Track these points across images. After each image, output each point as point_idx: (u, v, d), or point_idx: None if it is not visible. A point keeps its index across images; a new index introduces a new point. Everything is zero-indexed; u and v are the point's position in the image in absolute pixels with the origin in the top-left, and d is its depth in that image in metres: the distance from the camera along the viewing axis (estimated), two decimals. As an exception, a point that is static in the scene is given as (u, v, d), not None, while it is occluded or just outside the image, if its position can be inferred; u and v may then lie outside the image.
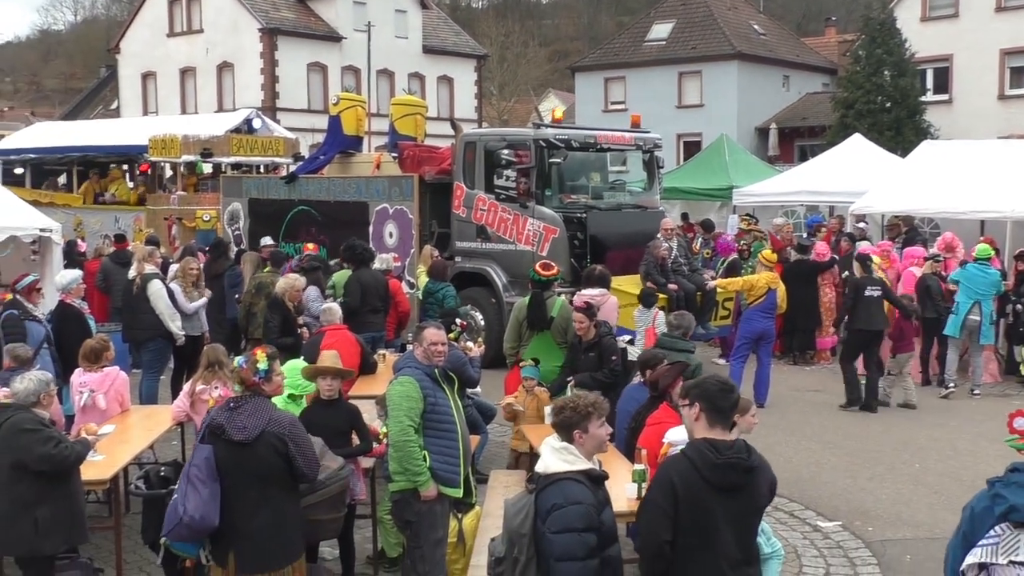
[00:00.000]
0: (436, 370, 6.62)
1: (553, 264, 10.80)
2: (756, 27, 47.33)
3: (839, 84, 40.48)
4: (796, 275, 15.12)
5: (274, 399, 6.84)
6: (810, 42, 51.93)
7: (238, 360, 5.91)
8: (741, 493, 4.52)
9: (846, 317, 13.57)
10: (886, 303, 13.11)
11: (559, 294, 10.58)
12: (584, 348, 9.28)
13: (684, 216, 22.67)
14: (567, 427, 4.89)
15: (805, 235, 17.98)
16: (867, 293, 12.92)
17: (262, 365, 5.75)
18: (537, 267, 10.38)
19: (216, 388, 8.21)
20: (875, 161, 20.66)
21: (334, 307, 10.57)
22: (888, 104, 34.66)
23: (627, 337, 9.38)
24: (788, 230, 18.17)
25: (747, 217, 18.97)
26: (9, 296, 10.78)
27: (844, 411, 13.00)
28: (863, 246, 16.23)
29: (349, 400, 7.90)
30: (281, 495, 5.70)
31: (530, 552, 4.74)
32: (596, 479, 4.84)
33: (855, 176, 19.26)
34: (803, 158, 34.11)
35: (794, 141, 42.37)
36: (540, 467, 4.88)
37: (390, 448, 6.52)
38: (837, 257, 16.07)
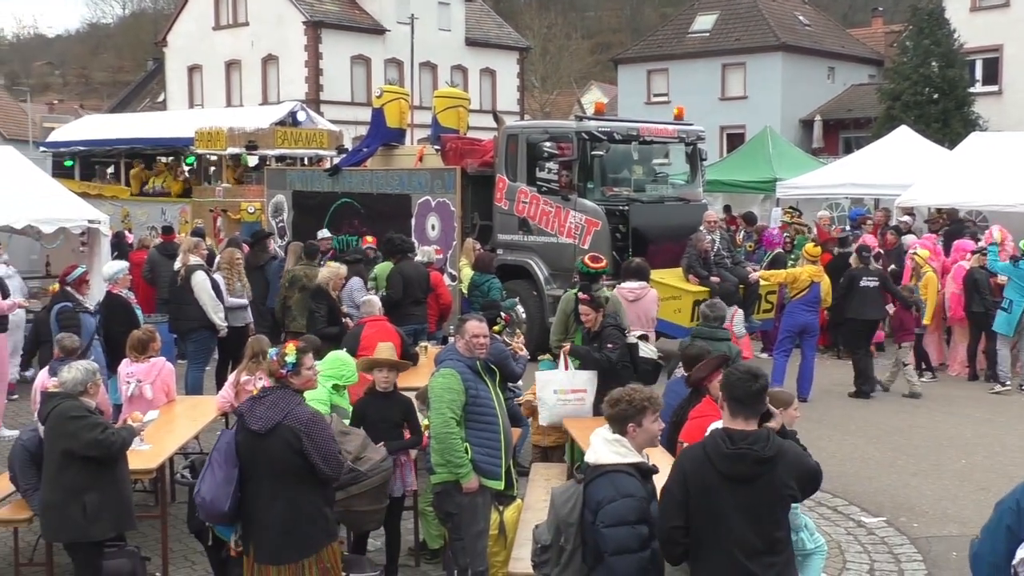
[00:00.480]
0: (478, 362, 6.65)
1: (602, 257, 10.75)
2: (801, 18, 46.87)
3: (885, 75, 40.00)
4: (839, 269, 14.96)
5: (320, 389, 6.94)
6: (856, 33, 51.33)
7: (271, 352, 5.96)
8: (756, 483, 4.52)
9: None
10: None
11: (603, 288, 10.54)
12: (591, 338, 9.23)
13: (727, 209, 22.51)
14: (621, 420, 4.93)
15: (849, 228, 17.80)
16: (862, 284, 13.31)
17: (290, 358, 5.78)
18: (586, 259, 10.33)
19: (260, 379, 8.27)
20: (922, 153, 20.41)
21: (373, 299, 10.63)
22: (936, 95, 34.16)
23: (638, 333, 9.24)
24: (825, 222, 18.01)
25: (790, 210, 18.81)
26: (58, 288, 10.98)
27: (887, 406, 12.89)
28: (910, 240, 16.07)
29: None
30: (297, 489, 5.68)
31: (576, 542, 4.79)
32: (645, 472, 4.87)
33: (901, 168, 19.05)
34: (848, 150, 33.80)
35: (839, 133, 41.93)
36: (591, 457, 4.92)
37: (432, 440, 6.55)
38: (882, 251, 15.89)
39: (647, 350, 9.04)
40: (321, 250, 14.44)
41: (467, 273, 13.61)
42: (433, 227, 15.88)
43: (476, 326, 6.69)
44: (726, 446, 4.54)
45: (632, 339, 9.01)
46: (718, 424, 5.66)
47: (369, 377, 8.21)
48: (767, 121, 30.96)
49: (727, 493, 4.51)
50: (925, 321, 14.20)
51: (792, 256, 15.75)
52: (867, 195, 20.82)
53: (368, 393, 7.48)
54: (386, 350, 7.69)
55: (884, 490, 9.64)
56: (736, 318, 13.01)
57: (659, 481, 5.07)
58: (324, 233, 15.52)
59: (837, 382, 14.17)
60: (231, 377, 9.03)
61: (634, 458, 4.85)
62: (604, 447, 4.89)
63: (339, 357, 7.77)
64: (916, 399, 13.21)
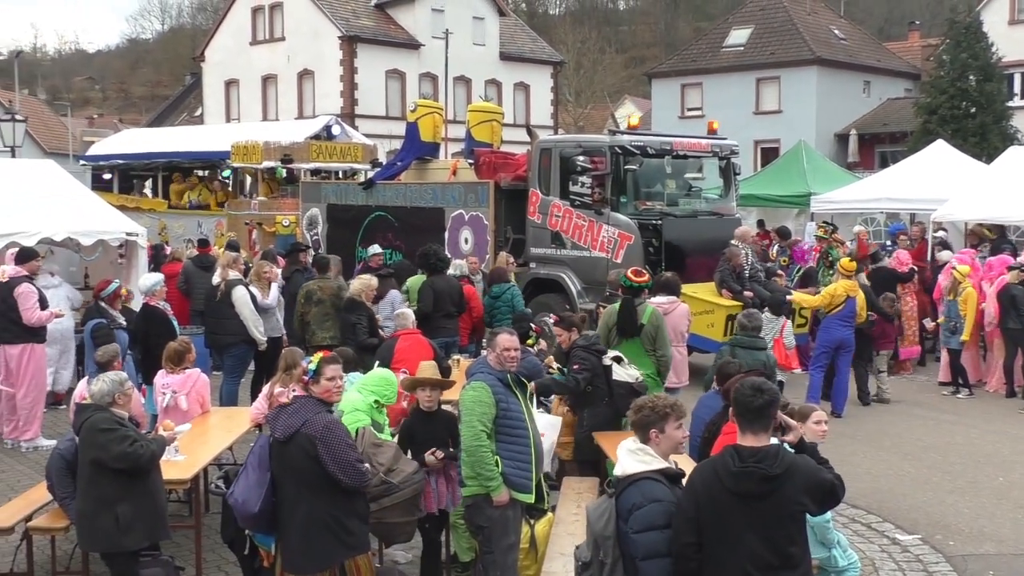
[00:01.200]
0: (509, 375, 6.66)
1: (645, 271, 10.74)
2: (836, 32, 46.68)
3: (922, 89, 39.72)
4: (875, 284, 14.86)
5: (362, 402, 6.98)
6: (892, 46, 51.06)
7: (311, 365, 6.04)
8: (766, 500, 4.51)
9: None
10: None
11: (645, 302, 10.51)
12: (563, 357, 9.21)
13: (760, 223, 22.42)
14: (644, 426, 4.97)
15: (888, 243, 17.67)
16: None
17: (311, 366, 5.92)
18: (629, 273, 10.32)
19: (293, 391, 8.32)
20: (959, 168, 20.21)
21: (407, 312, 10.68)
22: (973, 109, 33.92)
23: (613, 354, 9.07)
24: (864, 236, 17.89)
25: (824, 225, 18.70)
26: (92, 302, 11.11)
27: (922, 422, 12.80)
28: (947, 255, 15.94)
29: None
30: (315, 498, 5.73)
31: (616, 554, 4.81)
32: (673, 477, 4.89)
33: (938, 183, 18.88)
34: (884, 165, 33.56)
35: (874, 147, 41.69)
36: (618, 470, 4.95)
37: (463, 453, 6.57)
38: (915, 268, 15.77)
39: (623, 373, 8.78)
40: (371, 266, 14.47)
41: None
42: (466, 240, 15.94)
43: (507, 339, 6.72)
44: (733, 463, 4.55)
45: (607, 360, 8.82)
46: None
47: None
48: (801, 135, 30.80)
49: (737, 510, 4.52)
50: (963, 337, 14.07)
51: (830, 272, 15.64)
52: (903, 210, 20.66)
53: (413, 413, 7.44)
54: (428, 369, 7.57)
55: (919, 507, 9.55)
56: (786, 329, 12.97)
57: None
58: (375, 249, 15.42)
59: (872, 397, 14.04)
60: (265, 389, 9.09)
61: (659, 464, 4.88)
62: (629, 458, 4.93)
63: (384, 376, 7.76)
64: (885, 404, 13.68)
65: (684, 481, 4.87)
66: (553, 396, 9.21)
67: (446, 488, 7.14)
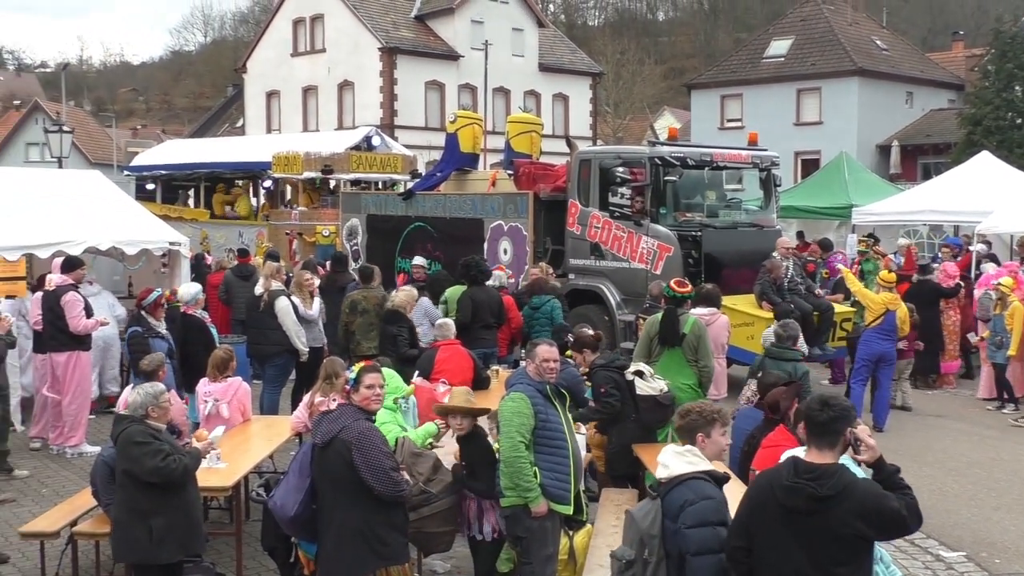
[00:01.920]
0: (548, 386, 6.66)
1: (688, 282, 10.74)
2: (878, 42, 46.33)
3: (966, 100, 39.37)
4: (918, 297, 14.72)
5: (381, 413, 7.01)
6: (936, 57, 50.59)
7: (353, 375, 6.10)
8: (813, 518, 4.42)
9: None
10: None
11: (687, 312, 10.49)
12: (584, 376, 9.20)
13: (800, 235, 22.26)
14: (691, 430, 5.03)
15: (938, 255, 17.51)
16: None
17: (351, 375, 6.01)
18: (672, 283, 10.35)
19: (334, 400, 8.36)
20: (1004, 179, 19.96)
21: (449, 322, 10.69)
22: (1019, 120, 33.51)
23: (634, 369, 9.00)
24: (914, 250, 17.73)
25: (865, 238, 18.55)
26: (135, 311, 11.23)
27: (966, 437, 12.65)
28: (989, 267, 15.76)
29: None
30: (350, 505, 5.76)
31: (660, 553, 4.82)
32: (718, 480, 4.91)
33: (982, 195, 18.66)
34: (927, 176, 33.25)
35: (917, 159, 41.29)
36: (663, 473, 4.96)
37: (501, 464, 6.57)
38: (961, 283, 15.59)
39: (646, 387, 8.70)
40: (415, 277, 14.51)
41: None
42: (505, 251, 15.96)
43: (546, 350, 6.72)
44: (787, 476, 4.50)
45: (628, 376, 8.76)
46: (791, 453, 5.62)
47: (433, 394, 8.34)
48: (843, 147, 30.57)
49: (785, 522, 4.48)
50: (1010, 352, 13.88)
51: (865, 284, 15.51)
52: (946, 222, 20.44)
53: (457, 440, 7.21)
54: (461, 395, 7.32)
55: (964, 524, 9.42)
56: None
57: (729, 494, 5.11)
58: (418, 260, 15.44)
59: (915, 411, 13.91)
60: (305, 398, 9.15)
61: (706, 466, 4.92)
62: (676, 459, 4.96)
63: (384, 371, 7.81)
64: (908, 412, 13.74)
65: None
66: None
67: (478, 511, 6.97)
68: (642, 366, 9.01)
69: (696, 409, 5.10)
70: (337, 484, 5.79)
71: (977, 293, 15.19)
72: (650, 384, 8.73)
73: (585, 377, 9.09)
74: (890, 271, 14.67)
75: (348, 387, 6.05)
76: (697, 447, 4.98)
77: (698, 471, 4.87)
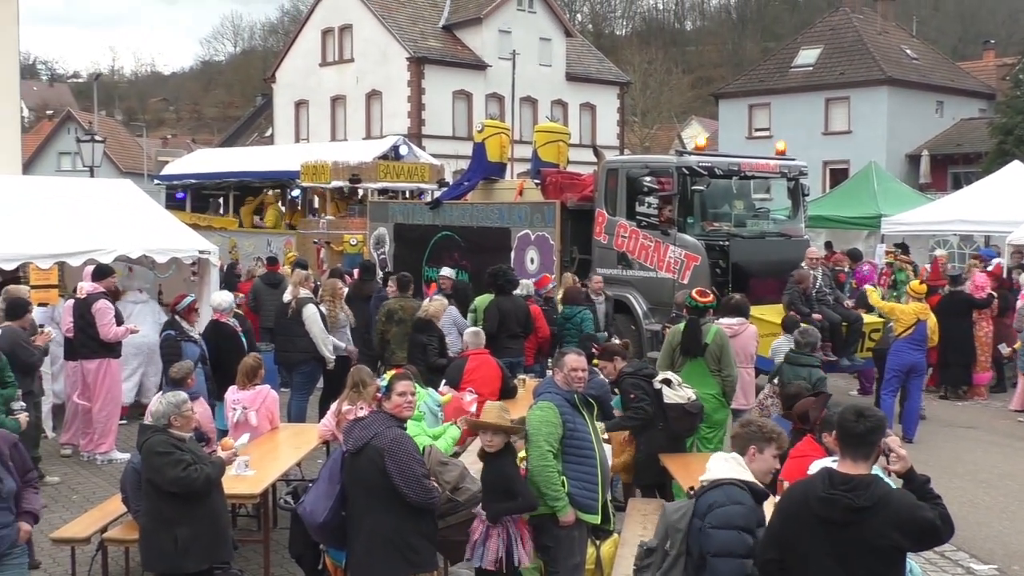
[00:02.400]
0: (576, 396, 6.66)
1: (709, 291, 10.71)
2: (908, 51, 46.07)
3: (997, 109, 39.06)
4: (950, 308, 14.62)
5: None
6: (966, 66, 50.24)
7: (384, 383, 6.14)
8: (849, 529, 4.39)
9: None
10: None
11: (709, 322, 10.47)
12: (612, 385, 9.16)
13: (828, 245, 22.17)
14: (746, 440, 5.08)
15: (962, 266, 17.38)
16: None
17: (383, 382, 6.06)
18: (694, 293, 10.30)
19: (361, 409, 8.39)
20: (1036, 189, 19.79)
21: (480, 331, 10.68)
22: (1050, 130, 33.22)
23: (662, 377, 8.96)
24: (943, 261, 17.62)
25: (893, 248, 18.44)
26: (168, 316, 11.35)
27: (998, 449, 12.53)
28: (1022, 278, 15.64)
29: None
30: (381, 512, 5.79)
31: (681, 547, 4.84)
32: (757, 494, 4.91)
33: (1013, 205, 18.51)
34: (957, 186, 33.00)
35: (947, 168, 41.02)
36: (705, 476, 4.99)
37: (529, 473, 6.57)
38: (993, 294, 15.46)
39: (674, 395, 8.66)
40: (442, 288, 14.56)
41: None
42: (532, 260, 15.98)
43: (575, 359, 6.72)
44: (823, 488, 4.46)
45: (656, 385, 8.71)
46: (819, 464, 5.60)
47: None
48: (871, 156, 30.42)
49: (820, 534, 4.44)
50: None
51: (894, 294, 15.43)
52: (977, 232, 20.29)
53: (481, 456, 6.85)
54: (493, 411, 6.94)
55: (995, 537, 9.33)
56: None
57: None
58: (446, 271, 15.41)
59: (945, 423, 13.80)
60: (333, 406, 9.18)
61: (747, 477, 4.92)
62: (722, 464, 4.99)
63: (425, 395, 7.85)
64: (923, 420, 13.42)
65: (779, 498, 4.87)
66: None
67: (504, 539, 6.52)
68: (670, 375, 8.98)
69: (758, 423, 5.14)
70: (369, 491, 5.81)
71: (1020, 304, 15.02)
72: (678, 393, 8.71)
73: (613, 386, 9.08)
74: (921, 281, 14.57)
75: (380, 395, 6.08)
76: (746, 459, 4.97)
77: (738, 479, 4.88)
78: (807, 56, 45.34)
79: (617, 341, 12.30)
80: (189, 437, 6.79)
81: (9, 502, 6.03)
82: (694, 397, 8.78)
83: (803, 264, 14.22)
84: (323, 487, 5.99)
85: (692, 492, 5.05)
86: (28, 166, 48.41)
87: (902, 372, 12.79)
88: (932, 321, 13.02)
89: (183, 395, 6.97)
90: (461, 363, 10.08)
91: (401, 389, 6.02)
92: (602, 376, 9.06)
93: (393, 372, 6.22)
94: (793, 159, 16.21)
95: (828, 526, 4.42)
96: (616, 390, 9.03)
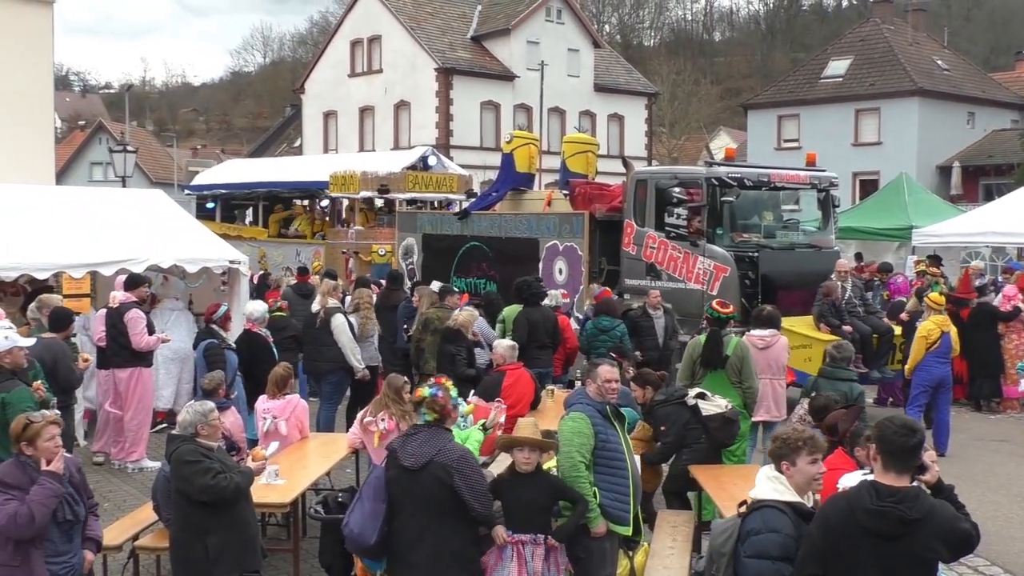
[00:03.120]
0: (608, 407, 6.66)
1: (730, 302, 10.68)
2: (939, 62, 45.79)
3: (1029, 120, 38.70)
4: (977, 320, 14.48)
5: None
6: (998, 77, 49.89)
7: (429, 391, 6.12)
8: (898, 542, 4.39)
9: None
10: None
11: (730, 333, 10.44)
12: (644, 414, 9.15)
13: (858, 256, 22.03)
14: (776, 458, 5.00)
15: (999, 279, 17.21)
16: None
17: (454, 392, 6.13)
18: (715, 304, 10.27)
19: (382, 421, 8.37)
20: (1069, 201, 19.60)
21: (515, 345, 10.63)
22: (1084, 141, 32.89)
23: (695, 393, 8.97)
24: (975, 271, 17.46)
25: (922, 260, 18.29)
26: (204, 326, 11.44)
27: (1020, 460, 12.50)
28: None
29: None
30: (444, 527, 5.80)
31: (727, 572, 4.82)
32: (803, 514, 4.84)
33: (1047, 216, 18.33)
34: (988, 197, 32.74)
35: (979, 180, 40.72)
36: (753, 492, 4.97)
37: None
38: (1021, 307, 15.30)
39: (711, 407, 8.77)
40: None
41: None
42: (560, 271, 15.96)
43: (608, 371, 6.71)
44: (871, 501, 4.44)
45: (691, 401, 8.79)
46: (851, 476, 5.58)
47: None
48: (902, 167, 30.23)
49: (867, 547, 4.42)
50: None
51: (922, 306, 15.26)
52: (1010, 244, 20.10)
53: (509, 473, 6.52)
54: (528, 427, 6.66)
55: (1029, 552, 9.22)
56: None
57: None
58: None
59: (978, 436, 13.66)
60: (360, 415, 9.19)
61: (791, 497, 4.86)
62: (765, 483, 4.95)
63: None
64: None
65: (818, 511, 4.82)
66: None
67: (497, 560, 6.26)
68: (700, 390, 9.03)
69: (783, 436, 5.05)
70: (430, 507, 5.79)
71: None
72: (714, 403, 8.80)
73: (645, 413, 9.09)
74: (950, 293, 14.44)
75: (453, 405, 6.31)
76: (784, 475, 4.93)
77: (780, 500, 4.83)
78: (837, 67, 45.16)
79: (639, 356, 12.32)
80: (217, 446, 6.79)
81: (79, 529, 6.14)
82: (730, 404, 8.91)
83: (832, 276, 14.14)
84: (368, 507, 5.89)
85: (741, 509, 5.03)
86: (61, 176, 48.95)
87: (930, 387, 12.62)
88: (954, 331, 12.85)
89: (210, 404, 6.98)
90: (498, 378, 9.93)
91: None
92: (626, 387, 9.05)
93: (447, 380, 6.26)
94: (823, 170, 16.12)
95: (876, 539, 4.40)
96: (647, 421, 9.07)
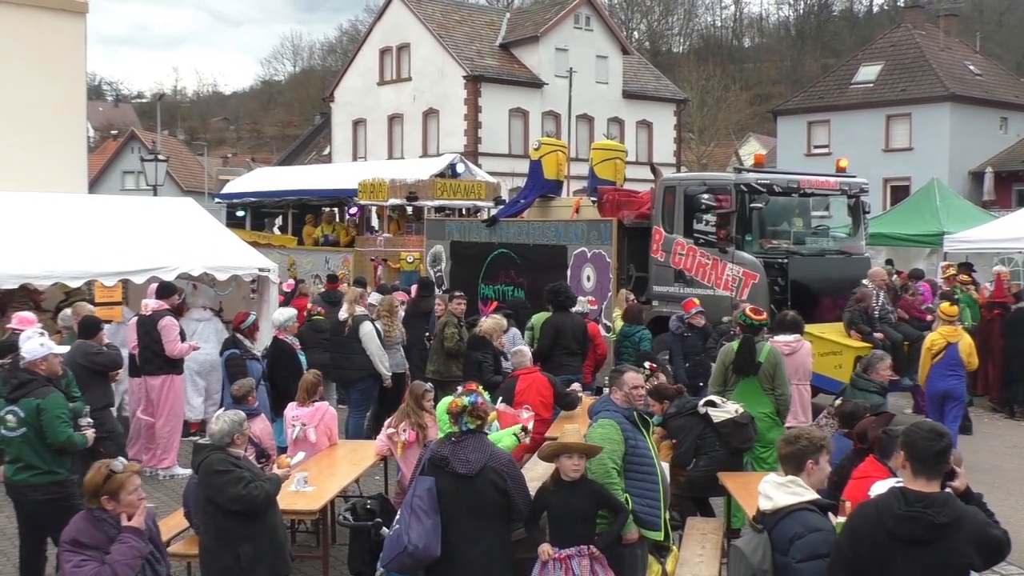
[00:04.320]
0: (635, 413, 6.65)
1: (763, 309, 10.63)
2: (971, 67, 45.42)
3: (1064, 125, 38.31)
4: (1013, 325, 14.31)
5: None
6: (1031, 82, 49.41)
7: (468, 399, 6.15)
8: (929, 548, 4.36)
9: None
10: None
11: (763, 340, 10.38)
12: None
13: (889, 262, 21.85)
14: (801, 457, 4.99)
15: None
16: None
17: (487, 396, 6.19)
18: (747, 311, 10.21)
19: (404, 432, 8.38)
20: (1103, 206, 19.37)
21: (524, 350, 10.70)
22: (1118, 145, 32.49)
23: (703, 402, 8.91)
24: (1005, 277, 17.26)
25: (951, 265, 18.11)
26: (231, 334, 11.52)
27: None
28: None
29: (547, 441, 7.87)
30: (496, 530, 5.92)
31: None
32: (824, 508, 4.89)
33: (1080, 222, 18.12)
34: (1022, 203, 32.44)
35: (1012, 185, 40.34)
36: (767, 504, 4.93)
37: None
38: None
39: (721, 413, 8.73)
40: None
41: (620, 324, 13.60)
42: (588, 278, 15.94)
43: (635, 377, 6.72)
44: (900, 506, 4.42)
45: (701, 410, 8.75)
46: (882, 484, 5.55)
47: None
48: (933, 173, 29.98)
49: (898, 554, 4.40)
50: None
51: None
52: (1043, 250, 19.89)
53: (553, 482, 6.42)
54: (573, 433, 6.49)
55: (1064, 561, 9.08)
56: None
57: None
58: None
59: (1011, 444, 13.51)
60: (387, 422, 9.21)
61: (811, 495, 4.87)
62: (779, 491, 4.92)
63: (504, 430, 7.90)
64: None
65: (844, 519, 4.82)
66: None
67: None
68: (712, 396, 9.01)
69: (806, 435, 5.08)
70: (483, 513, 5.88)
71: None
72: (724, 409, 8.76)
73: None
74: (985, 299, 14.29)
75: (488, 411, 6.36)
76: (805, 474, 4.95)
77: (803, 501, 4.84)
78: (867, 73, 44.89)
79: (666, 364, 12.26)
80: (244, 455, 6.80)
81: None
82: (740, 408, 8.85)
83: (865, 282, 14.04)
84: (428, 521, 5.83)
85: (757, 525, 4.99)
86: (93, 185, 49.43)
87: (937, 399, 12.38)
88: (965, 343, 12.48)
89: (242, 414, 6.99)
90: (511, 383, 10.03)
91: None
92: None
93: (478, 386, 6.37)
94: (853, 176, 16.03)
95: (906, 545, 4.38)
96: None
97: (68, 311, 11.69)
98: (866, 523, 4.53)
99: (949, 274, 17.45)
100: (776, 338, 10.89)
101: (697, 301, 13.70)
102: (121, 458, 5.25)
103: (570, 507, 6.22)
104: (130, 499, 5.26)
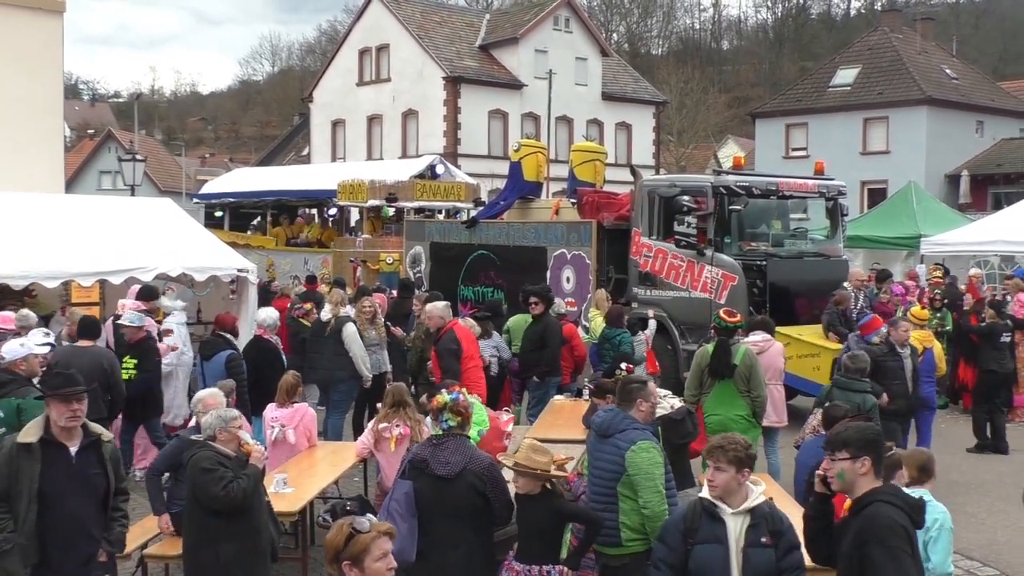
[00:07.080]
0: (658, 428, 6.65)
1: (737, 311, 10.67)
2: (948, 71, 45.76)
3: (1038, 129, 38.64)
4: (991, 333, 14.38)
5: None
6: (1007, 86, 49.85)
7: (449, 396, 6.14)
8: None
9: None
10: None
11: (738, 342, 10.41)
12: None
13: (878, 267, 21.96)
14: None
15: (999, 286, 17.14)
16: (1002, 339, 13.58)
17: (472, 399, 6.08)
18: (722, 313, 10.23)
19: (397, 427, 8.39)
20: (1078, 210, 19.55)
21: (447, 304, 11.10)
22: (1093, 149, 32.80)
23: (674, 403, 8.81)
24: (977, 279, 17.41)
25: (939, 266, 18.22)
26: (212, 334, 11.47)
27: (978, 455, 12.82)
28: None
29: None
30: (474, 533, 5.86)
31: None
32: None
33: (1056, 225, 18.27)
34: (997, 206, 32.67)
35: (987, 188, 40.65)
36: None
37: (647, 520, 6.15)
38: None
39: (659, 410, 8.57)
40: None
41: (599, 324, 13.59)
42: (568, 280, 15.96)
43: (656, 388, 6.69)
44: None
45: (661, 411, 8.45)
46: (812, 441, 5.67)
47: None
48: (910, 176, 30.20)
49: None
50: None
51: (937, 316, 15.14)
52: (1018, 253, 20.01)
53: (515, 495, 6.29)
54: (522, 451, 6.23)
55: (1040, 562, 9.17)
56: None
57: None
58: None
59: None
60: (370, 424, 9.19)
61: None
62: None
63: (479, 404, 7.87)
64: None
65: (883, 526, 4.76)
66: None
67: None
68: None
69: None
70: (461, 515, 5.82)
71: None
72: (660, 406, 8.63)
73: None
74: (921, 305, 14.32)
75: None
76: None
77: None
78: (845, 76, 45.15)
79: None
80: (235, 455, 6.72)
81: None
82: (678, 404, 8.53)
83: (845, 285, 14.10)
84: (404, 525, 5.76)
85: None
86: (70, 185, 49.10)
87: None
88: (938, 348, 12.39)
89: (235, 412, 6.96)
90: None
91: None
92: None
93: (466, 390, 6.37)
94: (831, 179, 16.12)
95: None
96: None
97: (63, 316, 11.70)
98: (907, 521, 4.68)
99: (935, 277, 17.50)
100: (746, 339, 10.93)
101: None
102: (370, 515, 4.39)
103: (530, 520, 6.11)
104: (377, 567, 4.20)
